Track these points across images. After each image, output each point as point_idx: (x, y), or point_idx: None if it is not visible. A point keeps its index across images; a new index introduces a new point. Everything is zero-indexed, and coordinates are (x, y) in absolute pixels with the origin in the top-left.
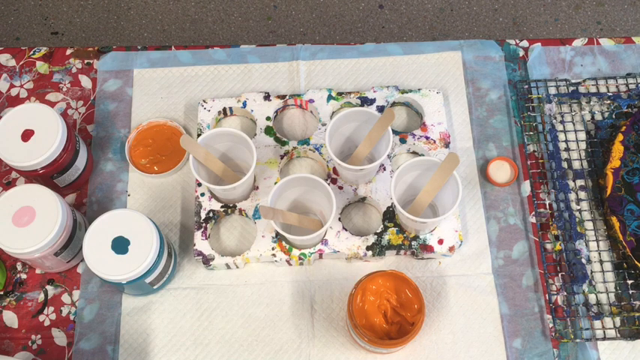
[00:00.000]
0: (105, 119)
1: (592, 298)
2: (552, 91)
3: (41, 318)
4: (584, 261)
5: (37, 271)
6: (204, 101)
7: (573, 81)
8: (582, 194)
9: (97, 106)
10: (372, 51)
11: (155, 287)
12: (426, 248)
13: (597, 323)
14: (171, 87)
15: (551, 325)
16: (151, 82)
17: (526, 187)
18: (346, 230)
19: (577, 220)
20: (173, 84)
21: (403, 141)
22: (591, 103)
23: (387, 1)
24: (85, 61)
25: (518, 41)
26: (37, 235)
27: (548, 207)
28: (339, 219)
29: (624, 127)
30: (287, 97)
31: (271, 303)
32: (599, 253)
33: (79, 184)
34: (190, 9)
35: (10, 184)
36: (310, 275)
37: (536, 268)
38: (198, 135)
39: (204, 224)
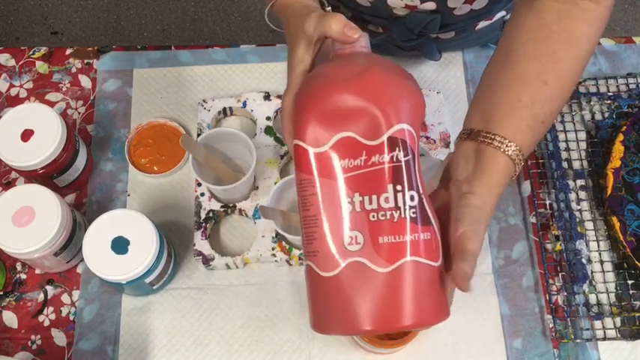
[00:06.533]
0: (105, 119)
1: (592, 298)
2: None
3: (41, 318)
4: (584, 261)
5: (37, 271)
6: (204, 101)
7: None
8: (583, 194)
9: (96, 106)
10: None
11: (155, 287)
12: None
13: (598, 323)
14: (171, 87)
15: (551, 325)
16: (151, 81)
17: (526, 187)
18: None
19: (577, 220)
20: (173, 84)
21: None
22: (591, 103)
23: None
24: (85, 61)
25: None
26: (37, 235)
27: (548, 207)
28: None
29: (625, 127)
30: None
31: (271, 303)
32: (600, 253)
33: (79, 184)
34: (190, 9)
35: (9, 184)
36: None
37: (537, 268)
38: (198, 135)
39: (204, 224)
